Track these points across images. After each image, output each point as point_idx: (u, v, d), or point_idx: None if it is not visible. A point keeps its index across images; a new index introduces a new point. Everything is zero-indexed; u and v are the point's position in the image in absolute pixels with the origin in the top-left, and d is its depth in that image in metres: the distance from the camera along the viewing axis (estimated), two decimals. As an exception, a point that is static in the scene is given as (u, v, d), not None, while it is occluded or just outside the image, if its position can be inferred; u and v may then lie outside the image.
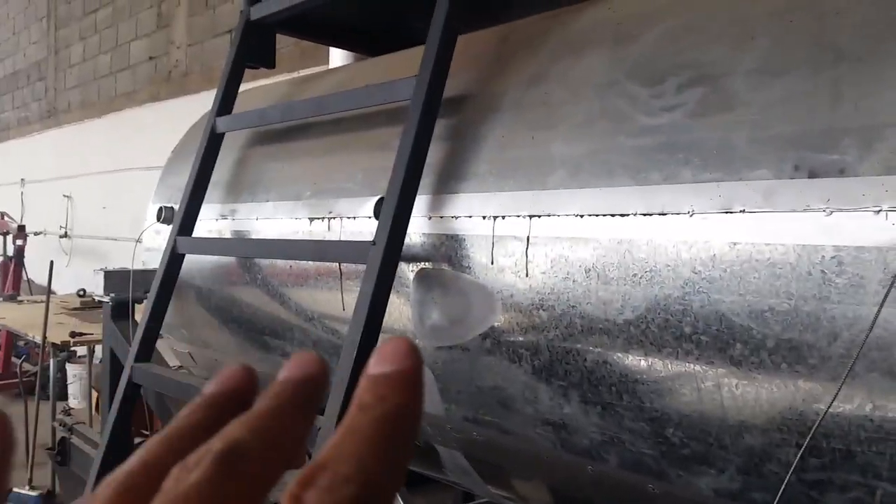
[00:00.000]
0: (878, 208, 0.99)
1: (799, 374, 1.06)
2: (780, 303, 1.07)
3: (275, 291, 2.11)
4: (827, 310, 1.02)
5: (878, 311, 0.95)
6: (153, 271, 2.32)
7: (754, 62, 1.19)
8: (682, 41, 1.31)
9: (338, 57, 2.63)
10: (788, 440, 1.08)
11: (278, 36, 2.42)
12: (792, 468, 0.98)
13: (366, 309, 1.51)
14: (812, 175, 1.06)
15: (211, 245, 2.28)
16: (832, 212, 1.03)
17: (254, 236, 2.18)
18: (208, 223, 2.35)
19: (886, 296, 0.95)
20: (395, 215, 1.53)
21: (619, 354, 1.28)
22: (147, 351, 2.21)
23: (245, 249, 2.14)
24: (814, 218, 1.04)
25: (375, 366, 0.26)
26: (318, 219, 1.89)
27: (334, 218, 1.84)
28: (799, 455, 1.01)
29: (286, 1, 2.16)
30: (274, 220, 2.08)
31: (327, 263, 1.82)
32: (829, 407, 0.98)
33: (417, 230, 1.61)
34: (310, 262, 1.90)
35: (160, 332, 2.30)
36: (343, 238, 1.81)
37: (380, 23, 2.35)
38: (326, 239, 1.85)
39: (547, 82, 1.53)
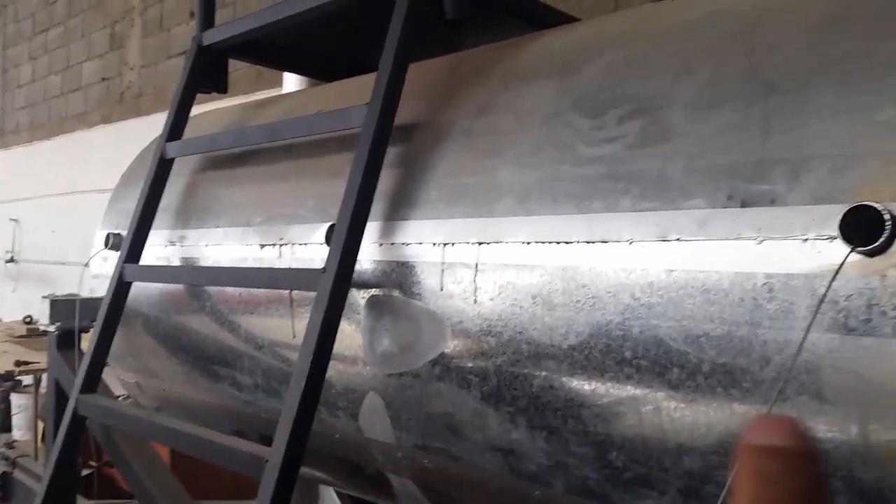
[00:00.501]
0: (805, 237, 1.04)
1: (733, 397, 1.10)
2: (715, 328, 1.11)
3: (224, 319, 2.09)
4: (759, 335, 1.07)
5: (805, 335, 0.99)
6: (101, 299, 2.27)
7: (691, 95, 1.24)
8: (623, 75, 1.36)
9: (292, 82, 2.64)
10: (725, 462, 1.11)
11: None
12: (725, 490, 1.01)
13: (315, 337, 1.51)
14: (744, 204, 1.10)
15: (159, 273, 2.25)
16: (763, 240, 1.07)
17: (203, 263, 2.16)
18: (157, 250, 2.32)
19: (812, 321, 1.00)
20: (346, 242, 1.54)
21: (564, 379, 1.30)
22: (93, 382, 2.17)
23: (193, 277, 2.12)
24: (746, 246, 1.09)
25: (759, 437, 0.24)
26: (269, 245, 1.89)
27: (285, 244, 1.84)
28: (731, 477, 1.05)
29: (238, 27, 2.18)
30: (224, 247, 2.07)
31: (278, 290, 1.82)
32: (759, 429, 1.01)
33: (368, 257, 1.62)
34: (260, 289, 1.89)
35: (107, 361, 2.25)
36: (294, 265, 1.81)
37: (333, 49, 2.37)
38: (277, 266, 1.85)
39: (495, 111, 1.57)
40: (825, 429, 1.02)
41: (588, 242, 1.28)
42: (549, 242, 1.34)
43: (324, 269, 1.53)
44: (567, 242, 1.31)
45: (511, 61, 1.65)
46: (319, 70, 2.51)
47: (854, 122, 1.04)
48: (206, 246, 2.17)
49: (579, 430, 1.29)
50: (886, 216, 0.95)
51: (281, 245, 1.86)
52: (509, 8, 1.86)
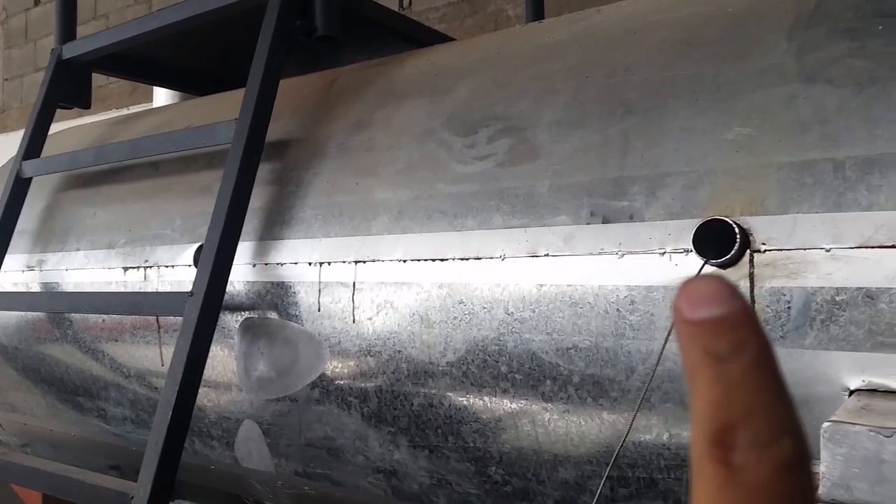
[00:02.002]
0: (663, 250, 1.07)
1: (602, 407, 1.11)
2: (583, 340, 1.12)
3: (88, 347, 1.93)
4: (623, 345, 1.09)
5: (664, 345, 1.02)
6: (-56, 331, 2.04)
7: (555, 115, 1.26)
8: (492, 95, 1.37)
9: (163, 96, 2.50)
10: (598, 472, 1.13)
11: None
12: (595, 498, 1.02)
13: (182, 365, 1.42)
14: (606, 220, 1.13)
15: (15, 300, 2.05)
16: (623, 254, 1.10)
17: (64, 288, 1.99)
18: (13, 275, 2.12)
19: (671, 331, 1.03)
20: (216, 263, 1.45)
21: (444, 397, 1.28)
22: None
23: (52, 304, 1.94)
24: (608, 260, 1.11)
25: (695, 310, 0.23)
26: (133, 268, 1.76)
27: (151, 267, 1.72)
28: (601, 486, 1.06)
29: (100, 39, 2.04)
30: (86, 271, 1.91)
31: (144, 316, 1.70)
32: (624, 439, 1.04)
33: (241, 278, 1.54)
34: (126, 315, 1.76)
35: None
36: (161, 288, 1.70)
37: (205, 63, 2.27)
38: (142, 290, 1.73)
39: (371, 128, 1.54)
40: (689, 434, 1.05)
41: (463, 259, 1.28)
42: (426, 260, 1.32)
43: (190, 293, 1.44)
44: (443, 259, 1.30)
45: (387, 79, 1.63)
46: (192, 84, 2.39)
47: (705, 141, 1.09)
48: (67, 270, 2.00)
49: (459, 447, 1.27)
50: (736, 229, 1.00)
51: (146, 268, 1.73)
52: (383, 26, 1.84)
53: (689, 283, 0.24)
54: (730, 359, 0.23)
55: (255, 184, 1.51)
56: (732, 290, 0.24)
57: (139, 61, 2.27)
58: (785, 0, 1.14)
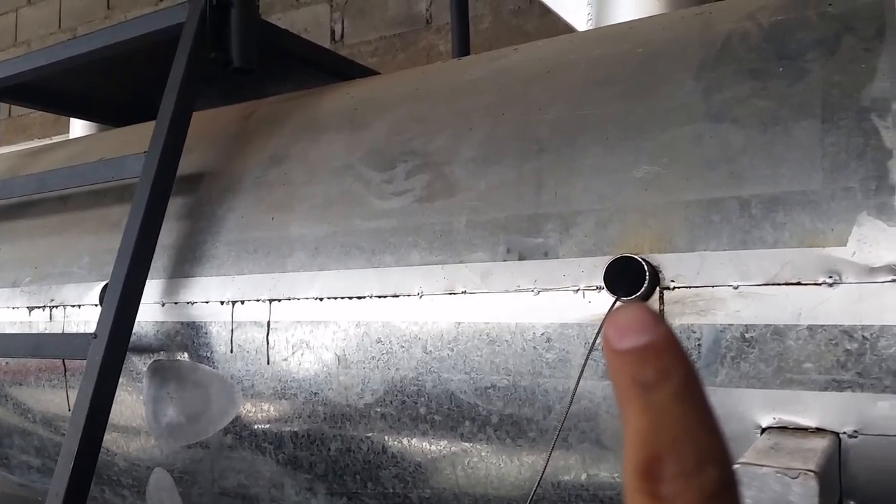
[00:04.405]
0: (576, 287, 1.03)
1: (521, 448, 1.06)
2: (501, 379, 1.07)
3: (-9, 392, 1.76)
4: (540, 384, 1.04)
5: (576, 384, 0.97)
6: None
7: (472, 151, 1.22)
8: (411, 130, 1.32)
9: (80, 127, 2.36)
10: (517, 514, 1.07)
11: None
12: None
13: (85, 412, 1.29)
14: (521, 257, 1.09)
15: None
16: (539, 291, 1.06)
17: (-35, 329, 1.81)
18: None
19: (583, 369, 0.98)
20: (121, 303, 1.34)
21: (362, 440, 1.20)
22: None
23: (-51, 346, 1.76)
24: (524, 298, 1.07)
25: (622, 339, 0.23)
26: (39, 308, 1.62)
27: (57, 307, 1.59)
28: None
29: (7, 68, 1.89)
30: (-12, 311, 1.75)
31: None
32: (539, 480, 0.98)
33: (150, 318, 1.43)
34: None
35: None
36: (68, 329, 1.56)
37: (122, 94, 2.14)
38: (48, 331, 1.59)
39: (288, 162, 1.46)
40: (607, 475, 1.01)
41: (380, 297, 1.21)
42: (343, 297, 1.25)
43: (94, 335, 1.32)
44: (360, 297, 1.23)
45: (305, 112, 1.56)
46: (109, 115, 2.25)
47: (615, 179, 1.06)
48: (-31, 309, 1.83)
49: (379, 493, 1.19)
50: (646, 267, 0.97)
51: (52, 307, 1.60)
52: (304, 58, 1.77)
53: (615, 313, 0.24)
54: (656, 387, 0.23)
55: (165, 219, 1.41)
56: (656, 317, 0.24)
57: (55, 91, 2.13)
58: (693, 40, 1.13)
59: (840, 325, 0.85)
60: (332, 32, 3.73)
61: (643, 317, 0.23)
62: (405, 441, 1.16)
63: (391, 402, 1.17)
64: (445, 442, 1.12)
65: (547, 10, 1.51)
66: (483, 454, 1.09)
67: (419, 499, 1.15)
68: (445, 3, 2.47)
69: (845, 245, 0.87)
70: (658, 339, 0.23)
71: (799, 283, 0.88)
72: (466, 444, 1.10)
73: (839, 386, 0.83)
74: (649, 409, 0.23)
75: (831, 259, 0.87)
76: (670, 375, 0.23)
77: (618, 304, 0.98)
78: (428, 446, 1.14)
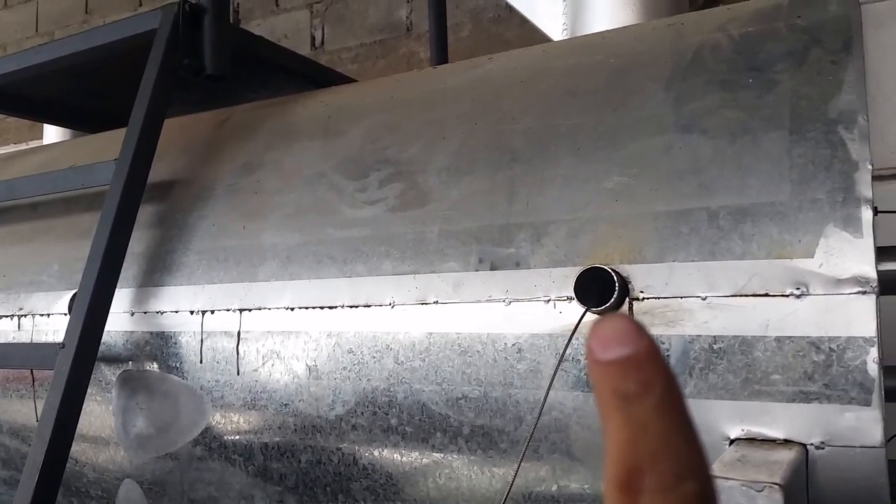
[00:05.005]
0: (547, 297, 1.02)
1: (492, 459, 1.04)
2: (472, 390, 1.05)
3: (-42, 402, 1.71)
4: (512, 395, 1.03)
5: (546, 395, 0.96)
6: None
7: (445, 161, 1.20)
8: (384, 139, 1.31)
9: (53, 133, 2.31)
10: (488, 526, 1.05)
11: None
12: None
13: (51, 423, 1.25)
14: (493, 267, 1.07)
15: None
16: (511, 301, 1.04)
17: (-69, 338, 1.76)
18: None
19: (553, 379, 0.97)
20: (89, 312, 1.31)
21: (333, 452, 1.18)
22: None
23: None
24: (496, 308, 1.05)
25: (605, 350, 0.23)
26: (7, 317, 1.58)
27: (25, 315, 1.55)
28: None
29: (-23, 72, 1.85)
30: (-45, 319, 1.70)
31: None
32: (508, 492, 0.97)
33: (119, 327, 1.39)
34: (-5, 368, 1.57)
35: None
36: (37, 338, 1.52)
37: (96, 100, 2.10)
38: (16, 340, 1.54)
39: (261, 170, 1.44)
40: (577, 486, 0.99)
41: (352, 307, 1.19)
42: (314, 307, 1.23)
43: (62, 344, 1.28)
44: (332, 307, 1.21)
45: (279, 119, 1.54)
46: (83, 121, 2.21)
47: (586, 189, 1.05)
48: (-64, 318, 1.78)
49: (348, 505, 1.17)
50: (615, 277, 0.96)
51: (20, 316, 1.55)
52: (279, 65, 1.75)
53: (599, 324, 0.24)
54: (636, 400, 0.23)
55: (136, 227, 1.38)
56: (640, 329, 0.24)
57: (28, 96, 2.09)
58: (664, 51, 1.13)
59: (807, 337, 0.84)
60: (313, 39, 3.70)
61: (626, 328, 0.23)
62: (376, 452, 1.14)
63: (362, 413, 1.15)
64: (417, 453, 1.10)
65: (526, 19, 1.50)
66: (454, 465, 1.07)
67: (390, 511, 1.13)
68: (426, 10, 2.46)
69: (812, 257, 0.87)
70: (640, 351, 0.23)
71: (767, 295, 0.88)
72: (438, 455, 1.08)
73: (806, 397, 0.83)
74: (630, 422, 0.23)
75: (798, 270, 0.87)
76: (651, 388, 0.23)
77: (587, 314, 0.97)
78: (399, 458, 1.12)
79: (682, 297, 0.92)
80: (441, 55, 2.25)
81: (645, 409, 0.23)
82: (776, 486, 0.72)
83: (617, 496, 0.22)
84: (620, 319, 0.23)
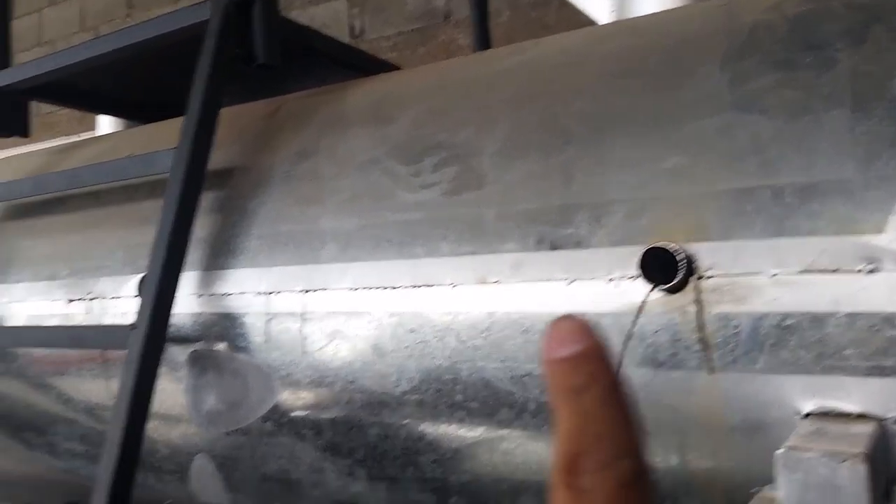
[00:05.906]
0: (610, 277, 0.99)
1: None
2: (536, 367, 1.03)
3: (34, 382, 1.72)
4: (576, 372, 1.00)
5: (617, 370, 0.93)
6: None
7: (497, 144, 1.16)
8: (435, 124, 1.27)
9: (106, 124, 2.29)
10: (554, 496, 1.03)
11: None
12: None
13: (127, 401, 1.25)
14: (553, 247, 1.04)
15: (-49, 334, 1.81)
16: (572, 281, 1.01)
17: (6, 322, 1.77)
18: (-50, 309, 1.88)
19: (622, 356, 0.94)
20: (158, 294, 1.29)
21: (400, 427, 1.17)
22: None
23: (-8, 339, 1.72)
24: (557, 287, 1.02)
25: (559, 348, 0.24)
26: (77, 300, 1.57)
27: (94, 299, 1.54)
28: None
29: (36, 67, 1.83)
30: (27, 303, 1.70)
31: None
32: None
33: (187, 309, 1.38)
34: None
35: None
36: (106, 320, 1.52)
37: (148, 91, 2.08)
38: (86, 322, 1.54)
39: (316, 157, 1.40)
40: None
41: (413, 287, 1.16)
42: (376, 288, 1.20)
43: (133, 325, 1.27)
44: (393, 287, 1.18)
45: (330, 107, 1.50)
46: (135, 112, 2.19)
47: (644, 170, 1.01)
48: (9, 303, 1.78)
49: (419, 478, 1.16)
50: (680, 256, 0.92)
51: (90, 299, 1.55)
52: (325, 54, 1.71)
53: (553, 325, 0.25)
54: (584, 391, 0.24)
55: (198, 213, 1.36)
56: (589, 328, 0.25)
57: (80, 89, 2.06)
58: (717, 32, 1.07)
59: (881, 312, 0.80)
60: (351, 28, 3.62)
61: (577, 328, 0.24)
62: (443, 427, 1.12)
63: (427, 389, 1.13)
64: (483, 428, 1.08)
65: (566, 3, 1.44)
66: (520, 441, 1.05)
67: (459, 483, 1.12)
68: (460, -4, 2.40)
69: (883, 232, 0.82)
70: (589, 348, 0.24)
71: (837, 271, 0.84)
72: (504, 430, 1.06)
73: (882, 372, 0.79)
74: (578, 412, 0.24)
75: (869, 247, 0.83)
76: (598, 379, 0.24)
77: (654, 292, 0.93)
78: (466, 432, 1.10)
79: (750, 275, 0.88)
80: (483, 41, 2.18)
81: (591, 399, 0.24)
82: (860, 457, 0.69)
83: (561, 477, 0.23)
84: (572, 320, 0.24)
